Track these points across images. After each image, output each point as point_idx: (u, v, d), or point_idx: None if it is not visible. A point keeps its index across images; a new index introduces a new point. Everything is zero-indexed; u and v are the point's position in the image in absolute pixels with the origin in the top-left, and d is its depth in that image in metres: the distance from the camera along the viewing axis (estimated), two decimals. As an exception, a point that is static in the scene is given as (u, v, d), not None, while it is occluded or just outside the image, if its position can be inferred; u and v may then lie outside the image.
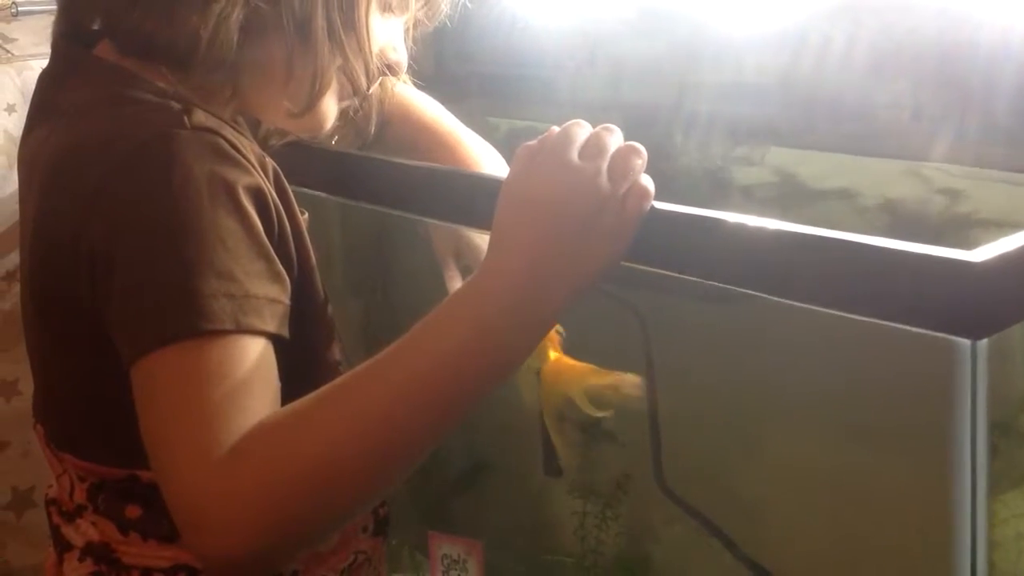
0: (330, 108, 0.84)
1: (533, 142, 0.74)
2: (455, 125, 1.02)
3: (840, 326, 0.67)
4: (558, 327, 0.91)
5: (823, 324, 0.70)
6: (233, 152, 0.73)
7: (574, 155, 0.72)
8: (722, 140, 1.23)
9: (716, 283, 0.71)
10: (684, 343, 1.11)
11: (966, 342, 0.62)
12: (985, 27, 1.03)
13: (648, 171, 0.72)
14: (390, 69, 0.86)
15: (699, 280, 0.72)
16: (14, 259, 1.27)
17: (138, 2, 0.77)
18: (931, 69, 1.07)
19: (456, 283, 1.00)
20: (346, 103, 0.87)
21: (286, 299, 0.74)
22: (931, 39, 1.07)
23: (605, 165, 0.71)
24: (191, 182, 0.70)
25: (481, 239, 0.95)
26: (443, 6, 0.89)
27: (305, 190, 0.89)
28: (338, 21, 0.79)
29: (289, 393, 0.70)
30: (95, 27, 0.82)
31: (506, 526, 1.43)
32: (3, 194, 1.28)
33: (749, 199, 1.22)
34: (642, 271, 0.73)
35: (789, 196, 1.19)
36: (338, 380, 0.69)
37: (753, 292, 0.69)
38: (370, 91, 0.86)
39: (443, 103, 1.03)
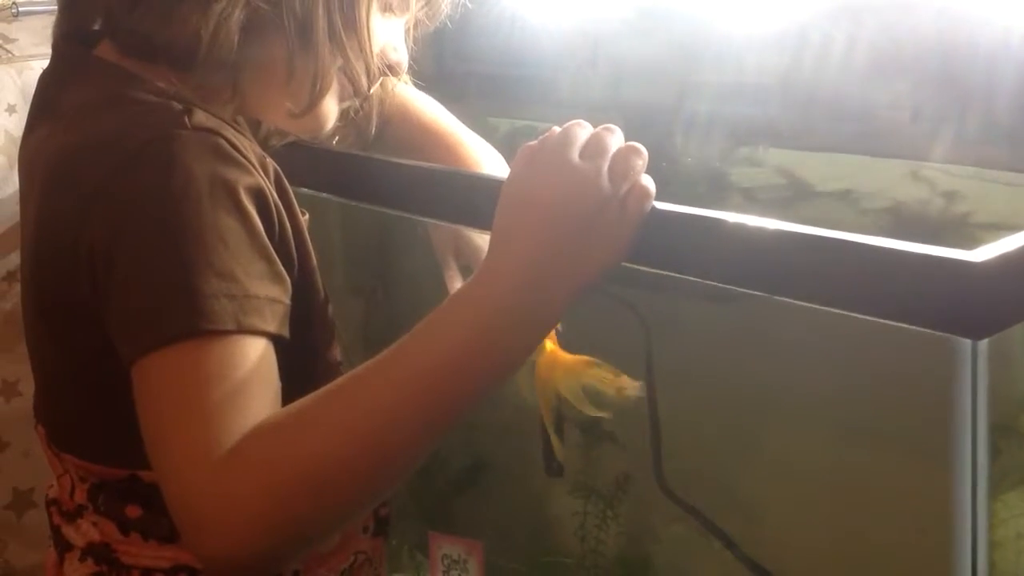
0: (331, 108, 0.84)
1: (534, 142, 0.74)
2: (455, 125, 1.02)
3: (841, 326, 0.67)
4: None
5: (823, 324, 0.70)
6: (234, 152, 0.73)
7: (575, 155, 0.72)
8: (722, 140, 1.23)
9: (716, 283, 0.71)
10: (685, 343, 1.11)
11: (967, 342, 0.62)
12: (985, 27, 1.03)
13: (648, 171, 0.72)
14: (391, 69, 0.86)
15: (699, 280, 0.72)
16: (15, 259, 1.27)
17: (139, 2, 0.77)
18: (931, 69, 1.07)
19: (456, 283, 1.00)
20: (347, 103, 0.87)
21: (287, 299, 0.74)
22: (931, 39, 1.07)
23: (606, 165, 0.71)
24: (192, 182, 0.70)
25: (481, 239, 0.95)
26: (444, 6, 0.89)
27: (306, 190, 0.89)
28: (339, 21, 0.79)
29: (290, 393, 0.70)
30: (96, 27, 0.82)
31: (507, 526, 1.43)
32: (3, 194, 1.28)
33: (749, 199, 1.22)
34: (642, 271, 0.73)
35: (789, 196, 1.19)
36: (339, 380, 0.69)
37: (754, 292, 0.69)
38: (371, 91, 0.86)
39: (443, 103, 1.03)
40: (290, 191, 0.80)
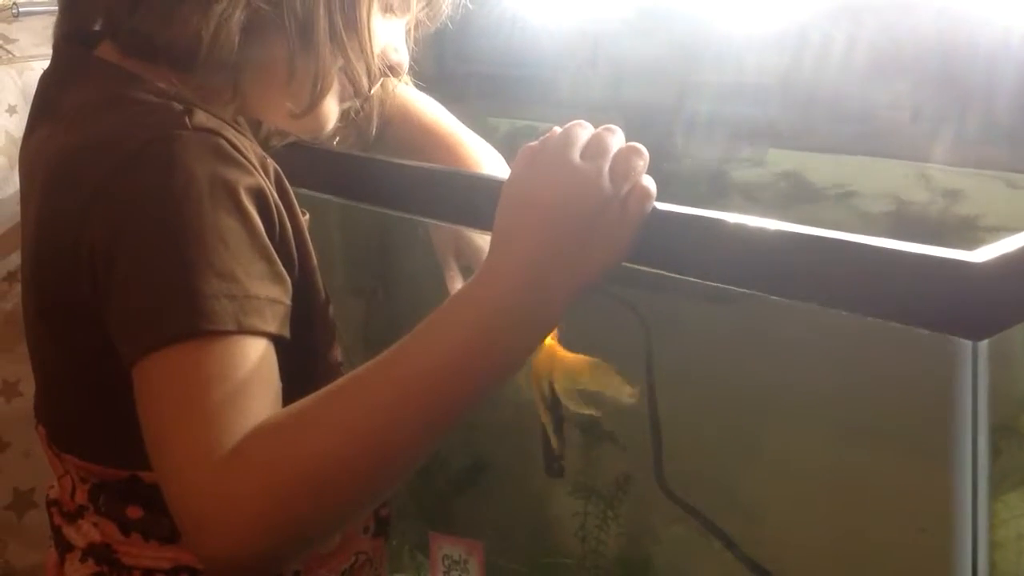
0: (331, 109, 0.84)
1: (535, 143, 0.74)
2: (455, 126, 1.02)
3: (841, 327, 0.67)
4: None
5: (824, 324, 0.70)
6: (234, 153, 0.73)
7: (576, 156, 0.72)
8: (723, 140, 1.23)
9: (717, 283, 0.71)
10: (685, 343, 1.11)
11: (967, 342, 0.62)
12: (985, 27, 1.03)
13: (649, 172, 0.73)
14: (391, 70, 0.86)
15: (700, 281, 0.72)
16: (15, 260, 1.27)
17: (139, 3, 0.77)
18: (932, 69, 1.07)
19: (457, 283, 1.00)
20: (347, 104, 0.87)
21: (287, 300, 0.74)
22: (932, 39, 1.07)
23: (607, 166, 0.71)
24: (192, 183, 0.70)
25: (482, 239, 0.95)
26: (444, 7, 0.89)
27: (306, 191, 0.89)
28: (340, 22, 0.79)
29: (290, 394, 0.70)
30: (97, 28, 0.82)
31: (507, 527, 1.43)
32: (4, 195, 1.28)
33: (750, 200, 1.22)
34: (642, 271, 0.73)
35: (790, 196, 1.19)
36: (340, 380, 0.69)
37: (754, 292, 0.69)
38: (371, 92, 0.86)
39: (444, 103, 1.03)
40: (291, 191, 0.80)
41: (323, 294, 0.83)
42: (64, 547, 0.87)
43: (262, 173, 0.76)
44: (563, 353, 0.92)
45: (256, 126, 0.88)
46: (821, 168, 1.18)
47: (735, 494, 1.21)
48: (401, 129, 1.01)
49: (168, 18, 0.76)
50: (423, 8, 0.88)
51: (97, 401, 0.80)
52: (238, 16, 0.76)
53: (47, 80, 0.85)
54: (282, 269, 0.74)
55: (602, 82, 1.32)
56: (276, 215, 0.75)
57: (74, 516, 0.86)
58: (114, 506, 0.82)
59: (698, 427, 1.19)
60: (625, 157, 0.72)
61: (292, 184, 0.80)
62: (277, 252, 0.74)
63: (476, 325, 0.69)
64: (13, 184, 1.25)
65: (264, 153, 0.80)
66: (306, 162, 0.92)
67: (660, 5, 1.28)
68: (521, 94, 1.39)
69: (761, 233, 0.68)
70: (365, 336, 1.54)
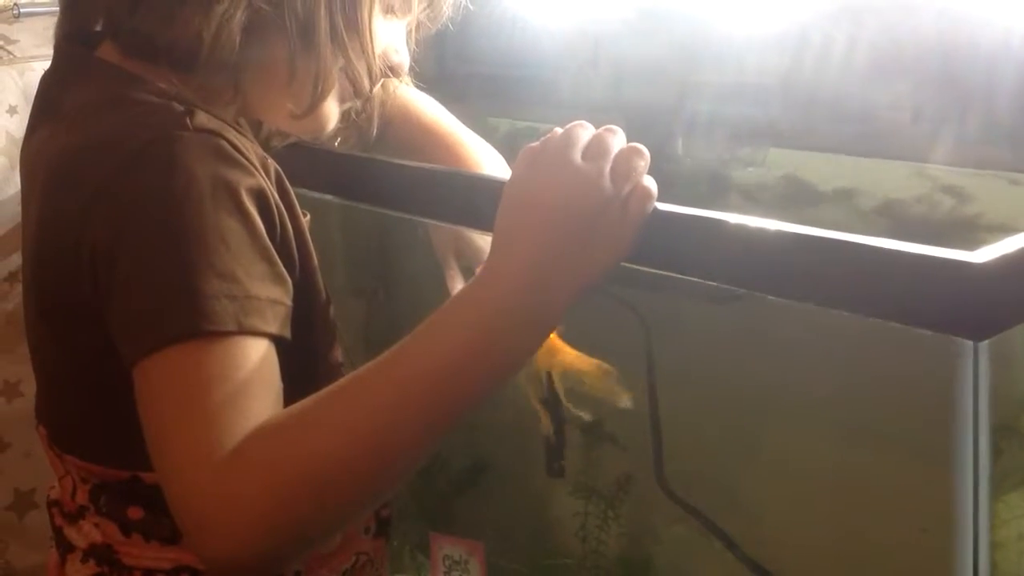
0: (332, 110, 0.84)
1: (536, 143, 0.74)
2: (456, 126, 1.02)
3: (842, 327, 0.67)
4: None
5: (825, 325, 0.70)
6: (235, 154, 0.73)
7: (577, 156, 0.72)
8: (724, 141, 1.23)
9: (718, 284, 0.71)
10: (686, 343, 1.11)
11: (968, 343, 0.62)
12: (986, 28, 1.03)
13: (650, 172, 0.73)
14: (392, 71, 0.86)
15: (701, 281, 0.72)
16: (16, 260, 1.27)
17: (140, 3, 0.77)
18: (932, 70, 1.07)
19: (457, 283, 1.00)
20: (348, 105, 0.87)
21: (288, 300, 0.74)
22: (932, 40, 1.07)
23: (608, 166, 0.71)
24: (193, 184, 0.70)
25: (482, 240, 0.95)
26: (445, 8, 0.89)
27: (307, 191, 0.89)
28: (341, 23, 0.79)
29: (291, 394, 0.70)
30: (98, 28, 0.82)
31: (508, 527, 1.43)
32: (5, 195, 1.29)
33: (751, 200, 1.22)
34: (644, 272, 0.73)
35: (791, 197, 1.19)
36: (341, 381, 0.69)
37: (755, 293, 0.69)
38: (372, 93, 0.86)
39: (444, 104, 1.03)
40: (291, 192, 0.80)
41: (324, 295, 0.83)
42: (65, 548, 0.87)
43: (263, 174, 0.76)
44: (566, 349, 0.91)
45: (257, 127, 0.88)
46: (822, 168, 1.18)
47: (736, 494, 1.21)
48: (402, 129, 1.01)
49: (169, 19, 0.76)
50: (424, 9, 0.88)
51: (98, 401, 0.80)
52: (239, 17, 0.76)
53: (48, 80, 0.85)
54: (283, 270, 0.74)
55: (603, 83, 1.32)
56: (277, 216, 0.75)
57: (75, 517, 0.86)
58: (115, 507, 0.82)
59: (699, 427, 1.19)
60: (626, 158, 0.72)
61: (293, 185, 0.80)
62: (278, 253, 0.74)
63: (477, 326, 0.69)
64: (14, 184, 1.26)
65: (265, 154, 0.80)
66: (307, 163, 0.92)
67: (661, 5, 1.28)
68: (522, 95, 1.39)
69: (762, 233, 0.68)
70: (366, 337, 1.54)
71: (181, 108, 0.75)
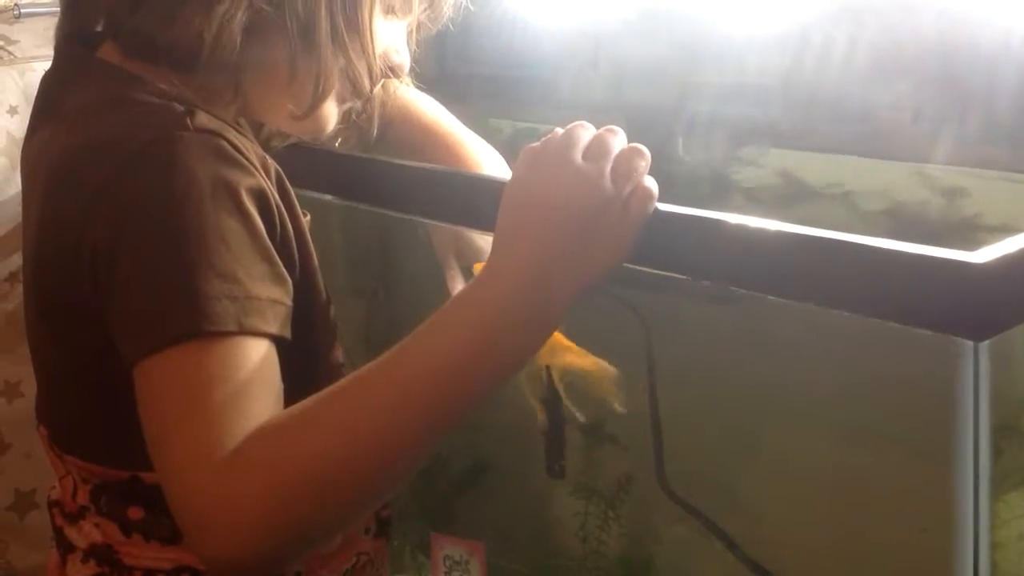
0: (331, 111, 0.84)
1: (536, 144, 0.74)
2: (456, 127, 1.02)
3: (843, 327, 0.67)
4: None
5: (825, 325, 0.70)
6: (235, 154, 0.73)
7: (578, 157, 0.72)
8: (724, 141, 1.23)
9: (719, 284, 0.71)
10: (686, 344, 1.11)
11: (969, 343, 0.62)
12: (986, 28, 1.03)
13: (650, 172, 0.73)
14: (393, 71, 0.86)
15: (702, 281, 0.72)
16: (17, 260, 1.27)
17: (141, 4, 0.77)
18: (933, 70, 1.07)
19: (458, 284, 1.00)
20: (347, 105, 0.87)
21: (288, 301, 0.74)
22: (932, 40, 1.07)
23: (609, 167, 0.72)
24: (194, 184, 0.70)
25: (482, 240, 0.95)
26: (446, 8, 0.89)
27: (307, 192, 0.89)
28: (342, 23, 0.79)
29: (292, 395, 0.70)
30: (98, 29, 0.82)
31: (509, 527, 1.43)
32: (6, 196, 1.29)
33: (751, 200, 1.22)
34: (644, 272, 0.73)
35: (791, 197, 1.19)
36: (341, 381, 0.69)
37: (756, 293, 0.69)
38: (372, 93, 0.86)
39: (445, 104, 1.03)
40: (292, 192, 0.80)
41: (324, 295, 0.83)
42: (66, 548, 0.87)
43: (263, 174, 0.76)
44: (569, 346, 0.91)
45: (257, 127, 0.88)
46: (822, 169, 1.18)
47: (736, 494, 1.21)
48: (402, 130, 1.01)
49: (170, 19, 0.76)
50: (425, 9, 0.88)
51: (98, 402, 0.80)
52: (240, 17, 0.76)
53: (49, 81, 0.85)
54: (283, 270, 0.74)
55: (603, 83, 1.32)
56: (277, 216, 0.75)
57: (76, 517, 0.86)
58: (115, 507, 0.82)
59: (699, 428, 1.19)
60: (627, 158, 0.72)
61: (293, 185, 0.80)
62: (278, 253, 0.74)
63: (478, 326, 0.69)
64: (15, 185, 1.26)
65: (265, 154, 0.80)
66: (307, 163, 0.92)
67: (661, 6, 1.28)
68: (522, 95, 1.39)
69: (762, 234, 0.69)
70: (366, 337, 1.54)
71: (181, 108, 0.75)
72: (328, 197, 0.94)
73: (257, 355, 0.69)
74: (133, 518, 0.82)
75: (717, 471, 1.21)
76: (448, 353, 0.68)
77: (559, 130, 0.74)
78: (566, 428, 0.97)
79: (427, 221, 0.97)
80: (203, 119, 0.74)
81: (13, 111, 1.31)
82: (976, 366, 0.63)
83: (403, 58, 0.87)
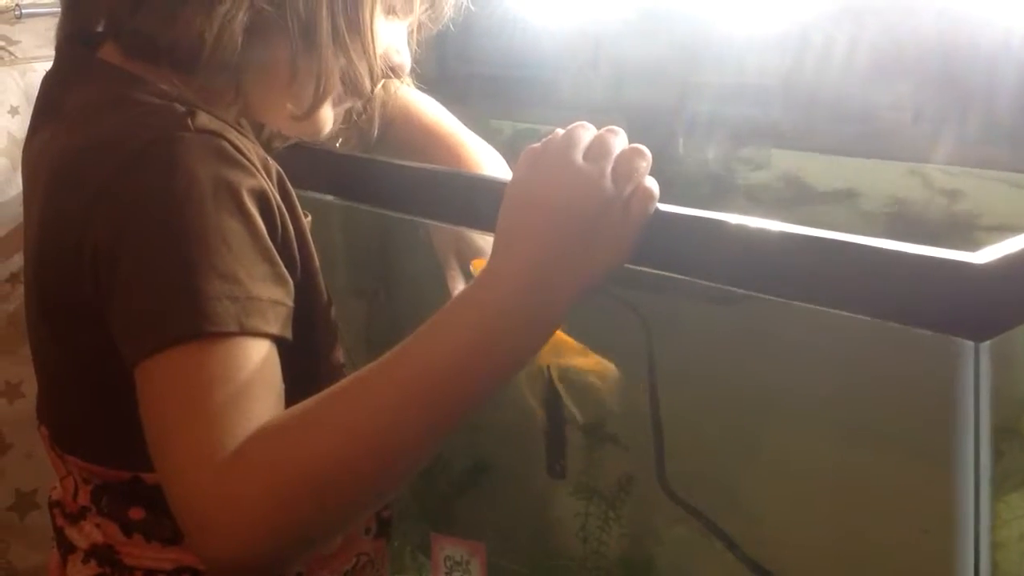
0: (330, 112, 0.84)
1: (537, 144, 0.74)
2: (456, 127, 1.02)
3: (843, 327, 0.67)
4: None
5: (826, 325, 0.70)
6: (236, 155, 0.73)
7: (578, 157, 0.72)
8: (725, 142, 1.23)
9: (720, 285, 0.71)
10: (687, 344, 1.11)
11: (969, 343, 0.62)
12: (986, 28, 1.03)
13: (651, 173, 0.73)
14: (393, 72, 0.86)
15: (702, 281, 0.72)
16: (18, 261, 1.27)
17: (142, 4, 0.77)
18: (933, 70, 1.07)
19: (458, 285, 1.00)
20: (348, 105, 0.87)
21: (289, 301, 0.74)
22: (933, 41, 1.07)
23: (609, 167, 0.72)
24: (195, 184, 0.70)
25: (483, 241, 0.95)
26: (447, 8, 0.89)
27: (308, 192, 0.89)
28: (342, 24, 0.79)
29: (293, 395, 0.70)
30: (99, 29, 0.82)
31: (509, 528, 1.43)
32: (7, 196, 1.29)
33: (752, 201, 1.22)
34: (645, 272, 0.73)
35: (792, 198, 1.19)
36: (342, 382, 0.69)
37: (756, 293, 0.69)
38: (373, 93, 0.86)
39: (445, 105, 1.03)
40: (293, 193, 0.80)
41: (325, 295, 0.83)
42: (66, 548, 0.87)
43: (264, 175, 0.76)
44: (571, 345, 0.91)
45: (258, 128, 0.88)
46: (823, 169, 1.18)
47: (737, 495, 1.21)
48: (402, 130, 1.01)
49: (171, 19, 0.76)
50: (425, 10, 0.88)
51: (99, 402, 0.80)
52: (241, 17, 0.76)
53: (49, 81, 0.85)
54: (284, 271, 0.74)
55: (604, 83, 1.32)
56: (278, 217, 0.75)
57: (76, 517, 0.86)
58: (116, 507, 0.82)
59: (700, 428, 1.19)
60: (627, 158, 0.72)
61: (294, 186, 0.80)
62: (279, 254, 0.74)
63: (479, 327, 0.69)
64: (16, 185, 1.26)
65: (266, 155, 0.80)
66: (308, 164, 0.92)
67: (662, 6, 1.28)
68: (523, 95, 1.39)
69: (763, 234, 0.69)
70: (367, 337, 1.54)
71: (182, 109, 0.75)
72: (329, 198, 0.94)
73: (258, 356, 0.69)
74: (134, 518, 0.82)
75: (718, 471, 1.21)
76: (449, 354, 0.68)
77: (560, 131, 0.74)
78: (566, 428, 0.97)
79: (428, 222, 0.97)
80: (204, 120, 0.74)
81: (14, 111, 1.31)
82: (977, 366, 0.63)
83: (404, 58, 0.87)
